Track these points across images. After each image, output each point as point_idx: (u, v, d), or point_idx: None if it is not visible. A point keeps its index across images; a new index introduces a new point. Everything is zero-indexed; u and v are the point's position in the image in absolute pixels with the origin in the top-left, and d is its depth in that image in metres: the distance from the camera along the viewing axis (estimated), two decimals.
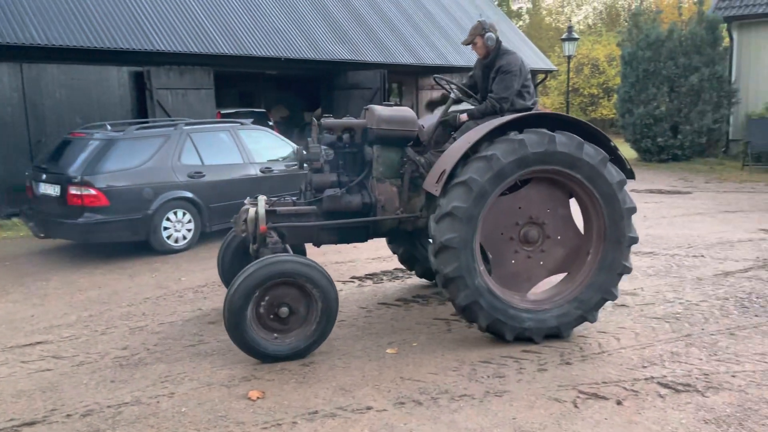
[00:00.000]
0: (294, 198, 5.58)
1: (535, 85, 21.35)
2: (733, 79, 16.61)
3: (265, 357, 4.50)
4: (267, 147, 9.38)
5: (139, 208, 7.78)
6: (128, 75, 12.21)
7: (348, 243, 5.55)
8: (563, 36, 21.00)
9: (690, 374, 4.21)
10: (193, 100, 12.89)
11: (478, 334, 4.98)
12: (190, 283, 6.73)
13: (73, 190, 7.54)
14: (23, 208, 8.46)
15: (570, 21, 30.22)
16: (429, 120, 5.78)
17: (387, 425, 3.64)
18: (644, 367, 4.35)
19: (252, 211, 5.12)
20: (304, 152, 5.27)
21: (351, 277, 6.74)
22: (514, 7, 44.06)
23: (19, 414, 3.88)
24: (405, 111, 5.34)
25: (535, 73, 20.70)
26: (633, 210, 4.80)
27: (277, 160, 9.26)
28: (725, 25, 16.51)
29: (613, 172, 4.69)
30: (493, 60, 5.33)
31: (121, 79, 12.12)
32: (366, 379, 4.24)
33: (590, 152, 4.61)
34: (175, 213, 8.08)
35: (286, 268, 4.43)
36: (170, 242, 8.06)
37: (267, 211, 5.13)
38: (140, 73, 12.21)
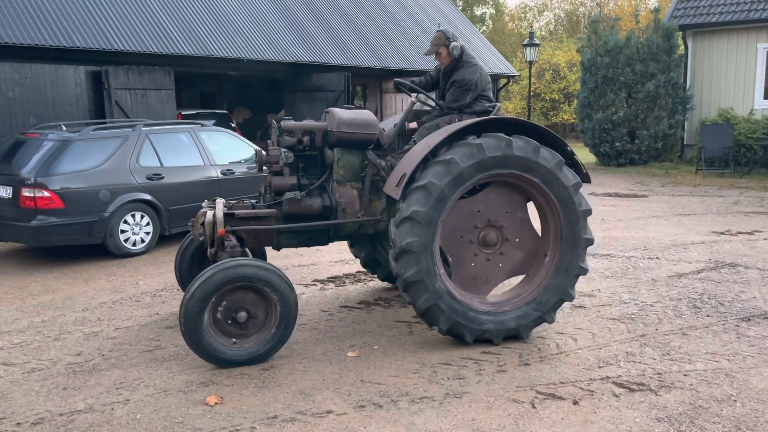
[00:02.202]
0: (253, 201, 5.52)
1: (498, 90, 21.63)
2: (687, 85, 17.09)
3: (223, 362, 4.43)
4: (228, 149, 9.27)
5: (96, 210, 7.59)
6: (85, 74, 11.92)
7: (308, 246, 5.51)
8: (525, 42, 21.33)
9: (644, 374, 4.30)
10: (153, 101, 12.67)
11: (439, 336, 5.00)
12: (147, 287, 6.60)
13: (26, 192, 7.32)
14: None
15: (532, 27, 30.68)
16: (390, 123, 5.80)
17: (347, 429, 3.63)
18: (600, 367, 4.43)
19: (210, 214, 5.05)
20: (264, 154, 5.23)
21: (313, 280, 6.70)
22: (478, 12, 44.54)
23: None
24: (365, 114, 5.32)
25: (497, 78, 20.98)
26: (588, 212, 4.89)
27: (238, 162, 9.16)
28: (680, 33, 16.99)
29: (568, 176, 4.76)
30: (453, 69, 5.40)
31: (77, 79, 11.82)
32: (326, 383, 4.22)
33: (546, 156, 4.68)
34: (133, 215, 7.91)
35: (243, 272, 4.36)
36: (128, 245, 7.89)
37: (225, 214, 5.07)
38: (98, 72, 11.94)
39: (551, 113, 29.97)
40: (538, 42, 21.78)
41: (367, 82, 18.25)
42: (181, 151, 8.63)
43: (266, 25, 15.24)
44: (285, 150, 5.21)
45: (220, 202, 5.23)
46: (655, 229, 9.17)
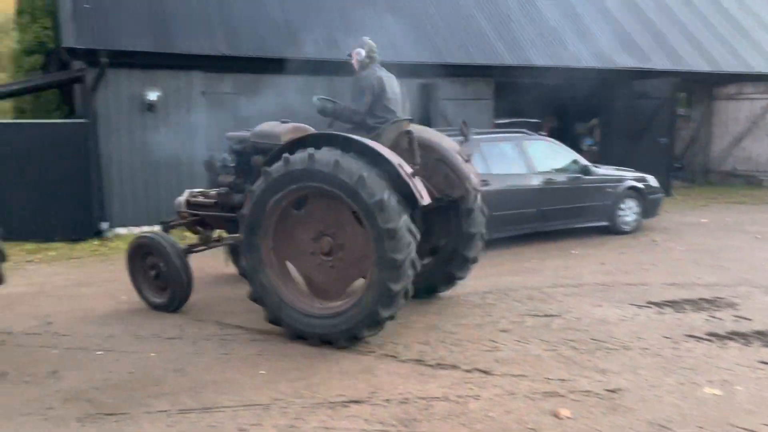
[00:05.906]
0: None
1: None
2: None
3: (154, 306, 6.23)
4: (550, 157, 9.30)
5: None
6: (417, 86, 13.02)
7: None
8: None
9: None
10: (472, 110, 13.28)
11: None
12: (473, 289, 6.84)
13: None
14: None
15: None
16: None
17: None
18: None
19: (177, 200, 6.77)
20: (209, 159, 6.56)
21: (647, 302, 6.25)
22: None
23: (346, 392, 4.32)
24: (273, 126, 5.95)
25: None
26: (393, 232, 4.72)
27: (563, 170, 9.17)
28: None
29: (374, 191, 4.73)
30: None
31: (411, 91, 12.97)
32: (686, 419, 3.87)
33: (348, 169, 4.77)
34: None
35: (140, 241, 6.26)
36: None
37: (186, 200, 6.68)
38: (428, 84, 12.93)
39: None
40: None
41: (694, 88, 16.57)
42: (506, 159, 8.90)
43: (587, 30, 14.82)
44: (226, 155, 6.32)
45: (187, 191, 6.81)
46: None
